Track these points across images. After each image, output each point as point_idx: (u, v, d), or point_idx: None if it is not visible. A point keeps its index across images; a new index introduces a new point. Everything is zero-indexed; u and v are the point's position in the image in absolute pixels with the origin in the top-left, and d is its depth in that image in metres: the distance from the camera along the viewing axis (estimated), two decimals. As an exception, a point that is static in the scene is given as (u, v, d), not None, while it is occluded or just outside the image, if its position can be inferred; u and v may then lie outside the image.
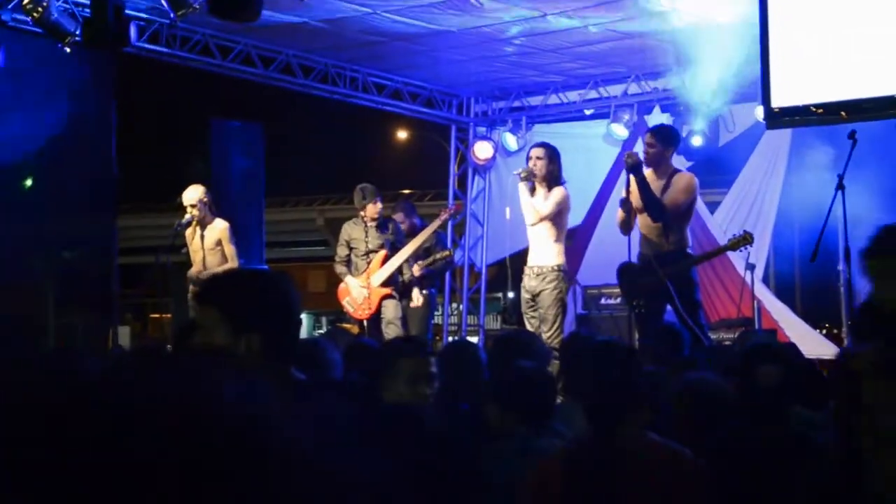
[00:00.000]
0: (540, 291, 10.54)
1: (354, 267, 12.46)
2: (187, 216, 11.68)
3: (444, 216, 13.43)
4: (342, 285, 12.55)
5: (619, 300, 12.30)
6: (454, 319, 18.72)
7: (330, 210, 29.58)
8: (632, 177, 9.92)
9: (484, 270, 16.79)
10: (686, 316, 9.63)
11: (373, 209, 12.36)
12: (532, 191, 10.61)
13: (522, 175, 10.57)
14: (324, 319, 28.55)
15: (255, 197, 15.25)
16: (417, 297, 12.42)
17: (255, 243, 14.73)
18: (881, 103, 6.90)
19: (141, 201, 25.28)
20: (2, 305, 12.43)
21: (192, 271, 11.75)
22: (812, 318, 14.82)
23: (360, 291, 12.31)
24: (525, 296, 10.73)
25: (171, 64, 13.26)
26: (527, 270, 10.74)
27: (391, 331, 12.12)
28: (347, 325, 13.62)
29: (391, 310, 12.31)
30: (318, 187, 29.44)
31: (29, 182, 13.21)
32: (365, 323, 12.37)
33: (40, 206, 12.85)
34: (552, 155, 10.62)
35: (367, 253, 12.40)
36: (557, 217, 10.50)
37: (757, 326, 12.40)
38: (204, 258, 11.70)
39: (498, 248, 16.40)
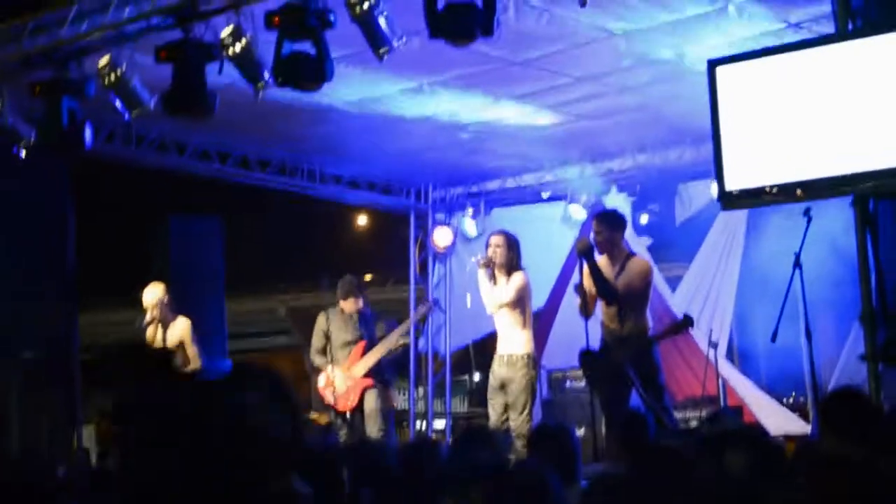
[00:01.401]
0: (510, 379, 10.51)
1: (333, 358, 12.44)
2: (147, 316, 11.65)
3: (422, 310, 13.51)
4: (324, 376, 12.49)
5: (583, 383, 12.29)
6: (421, 406, 18.65)
7: (292, 299, 29.49)
8: (585, 263, 9.94)
9: (448, 357, 16.74)
10: (650, 399, 9.63)
11: (353, 304, 12.39)
12: (492, 278, 10.59)
13: (481, 263, 10.56)
14: (289, 409, 28.37)
15: (215, 291, 15.22)
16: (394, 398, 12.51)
17: (217, 338, 14.67)
18: (834, 182, 6.96)
19: (101, 297, 25.14)
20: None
21: (155, 373, 11.67)
22: (778, 387, 14.84)
23: (342, 382, 12.29)
24: (493, 382, 10.70)
25: (128, 161, 13.28)
26: (496, 358, 10.70)
27: (373, 422, 12.19)
28: (315, 415, 13.59)
29: (373, 400, 12.32)
30: (279, 277, 29.37)
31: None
32: (347, 414, 12.35)
33: (3, 304, 12.77)
34: (511, 242, 10.64)
35: (346, 344, 12.40)
36: (519, 303, 10.49)
37: (722, 404, 12.42)
38: (164, 358, 11.64)
39: (460, 335, 16.41)
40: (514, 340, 10.52)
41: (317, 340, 12.62)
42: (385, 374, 12.65)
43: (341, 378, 12.28)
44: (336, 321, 12.52)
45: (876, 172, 6.73)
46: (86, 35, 10.17)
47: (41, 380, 13.13)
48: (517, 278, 10.50)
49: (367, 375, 12.30)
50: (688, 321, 10.14)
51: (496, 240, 10.64)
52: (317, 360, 12.57)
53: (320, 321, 12.65)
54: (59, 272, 13.16)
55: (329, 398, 12.42)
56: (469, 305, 12.17)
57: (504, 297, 10.45)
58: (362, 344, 12.34)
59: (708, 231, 14.75)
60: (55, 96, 10.47)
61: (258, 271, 26.65)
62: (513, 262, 10.55)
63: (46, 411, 13.24)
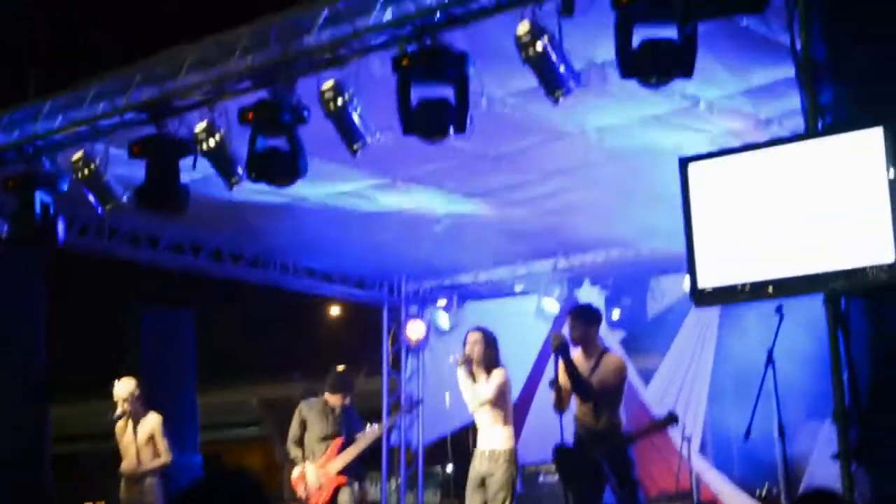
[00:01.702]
0: (491, 475, 10.44)
1: (309, 451, 12.31)
2: (118, 410, 11.59)
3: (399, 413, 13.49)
4: (297, 470, 12.39)
5: (557, 478, 12.23)
6: (393, 499, 18.53)
7: (264, 390, 29.38)
8: (560, 359, 9.92)
9: (421, 451, 16.66)
10: (624, 495, 9.58)
11: (340, 399, 12.28)
12: (471, 375, 10.54)
13: (460, 361, 10.50)
14: (260, 501, 28.18)
15: (187, 383, 15.17)
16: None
17: (188, 430, 14.61)
18: (806, 280, 6.98)
19: (73, 389, 25.02)
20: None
21: (125, 466, 11.61)
22: (750, 479, 14.78)
23: (315, 478, 12.18)
24: (473, 479, 10.61)
25: (101, 254, 13.28)
26: (477, 454, 10.62)
27: None
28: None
29: (346, 500, 12.18)
30: (251, 368, 29.27)
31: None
32: None
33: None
34: (489, 339, 10.58)
35: (324, 438, 12.29)
36: (500, 400, 10.44)
37: (696, 499, 12.38)
38: (137, 453, 11.57)
39: (433, 427, 16.35)
40: (495, 436, 10.45)
41: (294, 430, 12.45)
42: (357, 470, 12.53)
43: (315, 473, 12.17)
44: (315, 413, 12.38)
45: (847, 271, 6.75)
46: (60, 130, 10.22)
47: (12, 471, 13.01)
48: (497, 375, 10.44)
49: (341, 472, 12.19)
50: (672, 418, 10.12)
51: (474, 337, 10.58)
52: (292, 450, 12.41)
53: (298, 412, 12.51)
54: (30, 365, 13.09)
55: (301, 492, 12.27)
56: (448, 404, 12.05)
57: (485, 394, 10.39)
58: (339, 440, 12.22)
59: (681, 325, 14.76)
60: (28, 190, 10.50)
61: (230, 363, 26.57)
62: (491, 359, 10.48)
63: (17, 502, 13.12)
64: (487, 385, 10.41)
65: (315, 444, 12.24)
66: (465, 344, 10.56)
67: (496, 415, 10.44)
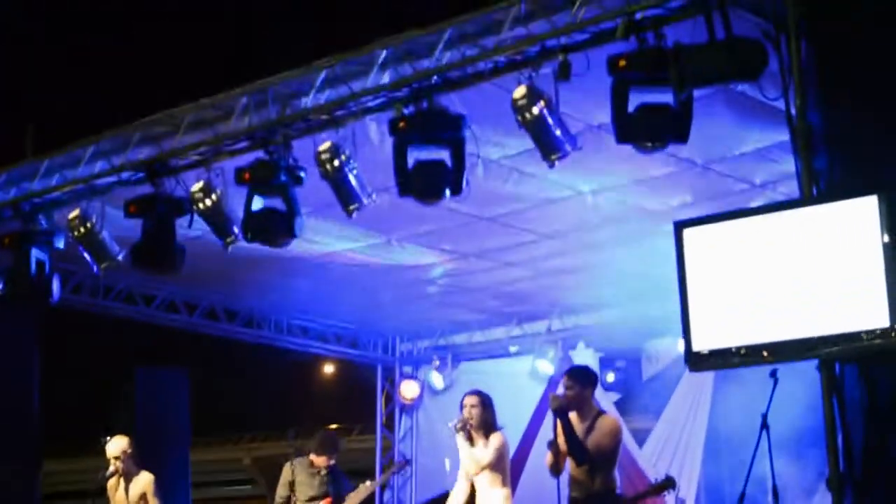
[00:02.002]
0: None
1: None
2: (111, 468, 11.54)
3: (393, 469, 13.41)
4: None
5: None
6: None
7: (257, 448, 29.24)
8: (558, 420, 9.88)
9: (414, 510, 16.62)
10: (618, 559, 9.56)
11: (325, 460, 12.27)
12: (469, 439, 10.49)
13: (458, 426, 10.45)
14: (251, 561, 28.08)
15: (180, 442, 15.11)
16: None
17: (180, 489, 14.54)
18: (801, 345, 6.98)
19: (65, 446, 24.94)
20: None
21: (118, 526, 11.56)
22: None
23: None
24: None
25: (95, 312, 13.27)
26: None
27: None
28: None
29: None
30: (244, 426, 29.17)
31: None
32: None
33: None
34: (486, 402, 10.54)
35: (311, 499, 12.27)
36: (499, 463, 10.40)
37: (690, 563, 12.36)
38: (126, 512, 11.53)
39: (428, 488, 16.27)
40: (494, 499, 10.40)
41: (281, 490, 12.48)
42: None
43: None
44: (302, 473, 12.37)
45: (842, 336, 6.75)
46: (56, 188, 10.25)
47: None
48: (496, 439, 10.39)
49: None
50: (669, 482, 10.09)
51: (471, 400, 10.52)
52: None
53: (286, 472, 12.50)
54: (22, 421, 13.06)
55: None
56: (448, 469, 11.95)
57: (485, 458, 10.34)
58: (327, 501, 12.20)
59: (675, 386, 14.73)
60: (24, 247, 10.51)
61: (223, 421, 26.51)
62: (489, 422, 10.43)
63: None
64: (486, 449, 10.36)
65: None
66: (462, 408, 10.51)
67: (494, 478, 10.39)
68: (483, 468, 10.38)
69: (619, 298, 13.71)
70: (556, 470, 9.91)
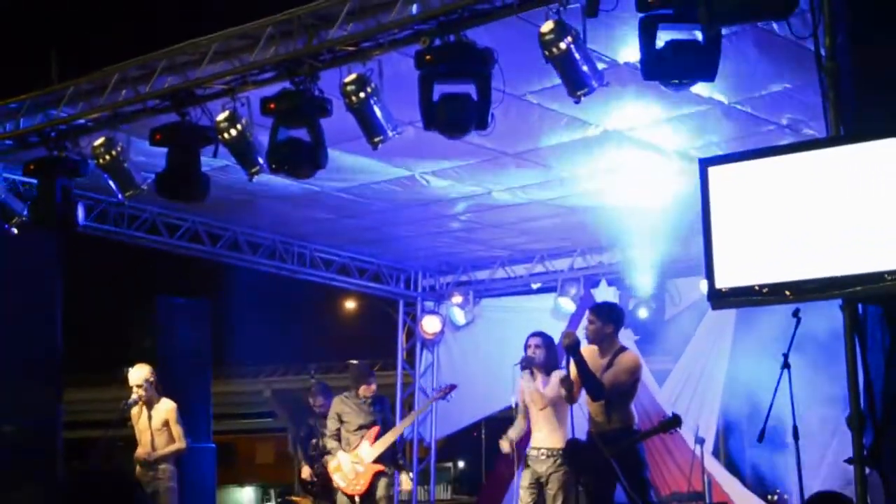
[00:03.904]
0: (550, 474, 10.53)
1: (346, 442, 12.59)
2: (133, 396, 11.62)
3: (438, 395, 13.51)
4: (334, 460, 12.57)
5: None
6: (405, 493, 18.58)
7: (277, 382, 29.45)
8: (570, 357, 9.94)
9: (433, 445, 16.70)
10: (634, 495, 9.58)
11: (366, 389, 12.49)
12: (532, 377, 10.68)
13: (523, 364, 10.64)
14: (272, 492, 28.27)
15: (201, 372, 15.17)
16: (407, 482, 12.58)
17: (201, 418, 14.62)
18: (823, 284, 6.97)
19: (86, 374, 25.10)
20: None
21: (140, 452, 11.64)
22: (762, 484, 14.77)
23: (352, 467, 12.42)
24: (528, 477, 10.67)
25: (118, 241, 13.30)
26: (534, 453, 10.67)
27: None
28: (297, 498, 13.59)
29: (383, 487, 12.51)
30: (265, 359, 29.35)
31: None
32: (357, 499, 12.47)
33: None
34: (550, 342, 10.74)
35: (360, 428, 12.50)
36: (560, 400, 10.50)
37: (708, 500, 12.38)
38: (152, 438, 11.61)
39: (446, 422, 16.37)
40: (555, 435, 10.54)
41: (331, 424, 12.76)
42: (399, 459, 12.79)
43: (351, 462, 12.36)
44: (350, 405, 12.65)
45: (865, 276, 6.73)
46: (82, 115, 10.24)
47: (23, 454, 13.06)
48: (557, 376, 10.53)
49: (378, 461, 12.39)
50: (676, 420, 10.09)
51: (535, 340, 10.71)
52: (329, 443, 12.71)
53: (334, 404, 12.79)
54: (45, 348, 13.13)
55: (338, 482, 12.53)
56: (514, 407, 11.99)
57: (550, 393, 10.52)
58: (376, 429, 12.45)
59: (697, 327, 14.74)
60: (49, 175, 10.53)
61: (245, 353, 26.64)
62: (551, 361, 10.65)
63: (27, 485, 13.16)
64: (549, 385, 10.54)
65: (351, 435, 12.49)
66: (526, 347, 10.68)
67: (556, 414, 10.56)
68: (547, 403, 10.54)
69: (642, 237, 13.70)
70: (570, 400, 9.98)
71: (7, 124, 10.70)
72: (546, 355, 10.64)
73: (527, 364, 10.61)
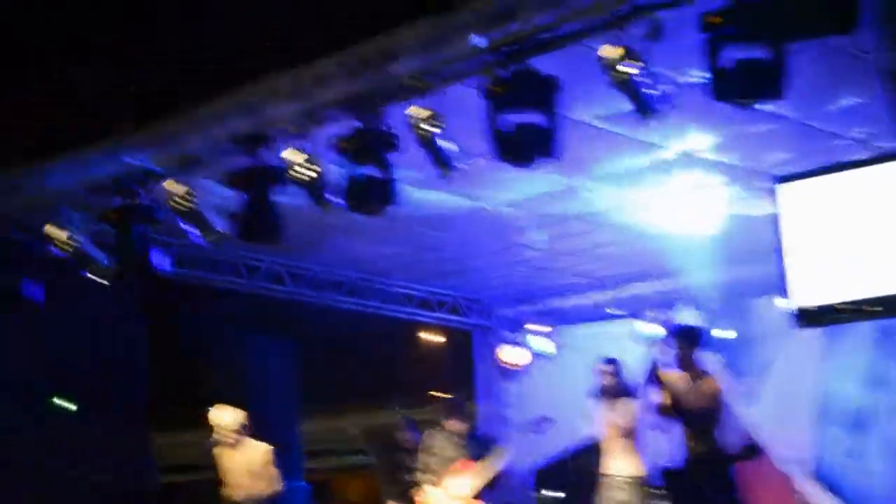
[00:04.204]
0: (625, 501, 10.49)
1: (436, 476, 12.77)
2: (224, 438, 11.68)
3: (532, 428, 13.53)
4: (423, 495, 12.73)
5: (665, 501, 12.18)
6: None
7: (365, 418, 29.43)
8: (661, 377, 9.91)
9: (532, 475, 16.64)
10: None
11: (453, 423, 12.53)
12: (603, 403, 10.64)
13: (594, 392, 10.62)
14: (364, 528, 28.27)
15: (290, 412, 15.30)
16: None
17: (293, 458, 14.75)
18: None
19: (173, 418, 25.27)
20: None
21: (235, 495, 11.67)
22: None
23: (438, 501, 12.56)
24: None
25: (200, 284, 13.42)
26: (612, 481, 10.63)
27: None
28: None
29: None
30: (351, 396, 29.36)
31: (65, 404, 13.27)
32: None
33: (77, 428, 12.89)
34: (619, 368, 10.70)
35: (449, 461, 12.65)
36: (632, 426, 10.47)
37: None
38: (246, 481, 11.65)
39: (534, 454, 16.30)
40: (628, 463, 10.49)
41: (422, 458, 12.98)
42: (500, 495, 12.86)
43: (438, 496, 12.41)
44: (440, 439, 12.83)
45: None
46: (155, 161, 10.35)
47: (117, 502, 13.21)
48: (628, 403, 10.49)
49: (477, 496, 12.43)
50: (755, 449, 10.05)
51: (605, 367, 10.70)
52: (420, 476, 12.87)
53: (425, 438, 13.08)
54: (133, 395, 13.28)
55: None
56: (586, 432, 12.03)
57: (620, 421, 10.46)
58: (462, 462, 12.46)
59: (781, 345, 14.58)
60: (126, 222, 10.65)
61: (330, 391, 26.70)
62: (622, 387, 10.61)
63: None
64: (619, 412, 10.49)
65: (440, 469, 12.50)
66: (597, 374, 10.65)
67: (628, 441, 10.49)
68: (622, 430, 10.49)
69: (721, 258, 13.61)
70: (665, 428, 9.93)
71: (83, 174, 10.84)
72: (617, 382, 10.57)
73: (599, 392, 10.56)
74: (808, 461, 14.16)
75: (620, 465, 10.58)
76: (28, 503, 12.48)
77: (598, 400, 10.63)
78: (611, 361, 10.80)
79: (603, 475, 10.73)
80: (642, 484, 10.50)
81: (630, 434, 10.50)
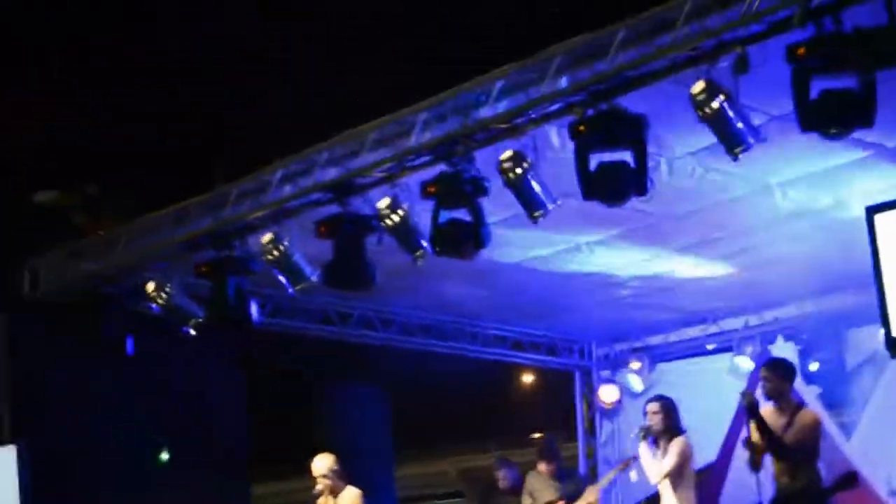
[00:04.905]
0: None
1: None
2: (319, 486, 11.70)
3: (619, 468, 13.52)
4: None
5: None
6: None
7: (462, 461, 29.38)
8: (751, 418, 9.81)
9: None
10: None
11: (546, 465, 12.64)
12: (655, 444, 10.49)
13: (641, 434, 10.48)
14: (470, 571, 28.20)
15: (383, 457, 15.32)
16: None
17: (387, 502, 14.75)
18: None
19: (271, 468, 25.36)
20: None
21: (329, 541, 11.71)
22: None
23: None
24: None
25: (293, 333, 13.50)
26: None
27: None
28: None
29: None
30: (447, 439, 29.34)
31: (165, 456, 13.39)
32: None
33: (177, 480, 13.00)
34: (668, 406, 10.54)
35: (549, 503, 12.73)
36: (682, 468, 10.34)
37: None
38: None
39: (634, 492, 16.19)
40: (676, 502, 10.31)
41: (525, 501, 13.04)
42: None
43: None
44: (538, 481, 12.99)
45: None
46: (248, 214, 10.47)
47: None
48: (678, 444, 10.34)
49: None
50: (851, 479, 9.90)
51: (653, 407, 10.57)
52: None
53: (528, 481, 13.14)
54: (233, 447, 13.37)
55: None
56: (634, 479, 12.01)
57: (667, 465, 10.30)
58: (559, 502, 12.50)
59: (880, 375, 14.39)
60: (221, 274, 10.77)
61: (426, 434, 26.70)
62: (671, 427, 10.41)
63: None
64: (668, 456, 10.31)
65: None
66: (644, 415, 10.53)
67: (679, 483, 10.29)
68: (665, 475, 10.30)
69: (816, 289, 13.49)
70: (754, 466, 9.80)
71: (178, 229, 10.98)
72: (664, 422, 10.39)
73: (645, 433, 10.42)
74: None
75: None
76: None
77: (645, 444, 10.45)
78: (657, 399, 10.65)
79: None
80: None
81: (679, 476, 10.32)
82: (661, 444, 10.41)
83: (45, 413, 12.21)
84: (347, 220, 9.86)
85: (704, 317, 15.10)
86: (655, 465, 10.37)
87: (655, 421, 10.42)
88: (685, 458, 10.43)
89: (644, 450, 10.43)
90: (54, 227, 12.25)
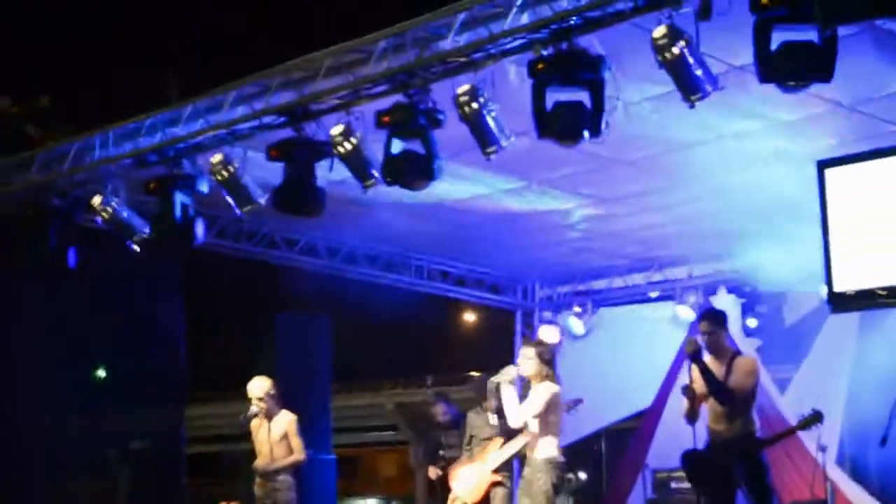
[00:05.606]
0: (531, 482, 10.31)
1: (472, 454, 12.97)
2: (253, 408, 11.70)
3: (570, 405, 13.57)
4: (458, 470, 12.97)
5: (688, 484, 12.14)
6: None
7: (398, 395, 29.51)
8: (694, 364, 9.85)
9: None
10: (756, 501, 9.48)
11: (491, 403, 12.58)
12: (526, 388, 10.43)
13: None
14: (394, 504, 28.43)
15: (321, 386, 15.32)
16: None
17: (322, 431, 14.76)
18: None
19: (207, 390, 25.38)
20: (74, 497, 12.49)
21: (259, 463, 11.72)
22: (890, 493, 14.51)
23: (471, 476, 12.74)
24: (522, 485, 10.46)
25: (237, 256, 13.45)
26: (527, 461, 10.43)
27: None
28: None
29: (498, 499, 12.68)
30: (386, 372, 29.43)
31: (101, 374, 13.35)
32: None
33: (111, 398, 12.97)
34: (542, 354, 10.31)
35: (484, 440, 12.85)
36: (546, 413, 10.17)
37: (831, 508, 12.23)
38: (271, 450, 11.69)
39: (566, 434, 16.27)
40: (540, 446, 10.18)
41: (465, 437, 13.13)
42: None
43: (471, 471, 12.52)
44: (479, 419, 12.99)
45: None
46: (200, 133, 10.37)
47: (149, 469, 13.28)
48: (542, 391, 10.15)
49: (496, 471, 12.50)
50: (817, 417, 10.00)
51: (526, 352, 10.38)
52: (464, 455, 13.06)
53: (469, 419, 13.18)
54: (168, 365, 13.34)
55: (456, 490, 12.86)
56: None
57: (529, 411, 10.14)
58: (495, 440, 12.51)
59: (818, 332, 14.53)
60: (168, 192, 10.67)
61: (365, 366, 26.76)
62: (542, 373, 10.23)
63: (153, 501, 13.38)
64: (533, 401, 10.13)
65: (476, 447, 12.69)
66: (518, 358, 10.45)
67: (542, 426, 10.15)
68: (532, 417, 10.13)
69: (760, 243, 13.55)
70: (692, 416, 9.86)
71: (127, 144, 10.87)
72: (536, 367, 10.26)
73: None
74: (836, 448, 14.15)
75: (532, 449, 10.38)
76: (63, 469, 12.56)
77: (513, 389, 10.28)
78: (531, 346, 10.49)
79: None
80: (547, 466, 10.24)
81: (544, 419, 10.18)
82: (534, 385, 10.22)
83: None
84: (299, 145, 9.78)
85: (649, 264, 15.17)
86: (519, 410, 10.21)
87: (528, 366, 10.21)
88: (552, 402, 10.22)
89: (509, 393, 10.25)
90: (3, 136, 12.10)
